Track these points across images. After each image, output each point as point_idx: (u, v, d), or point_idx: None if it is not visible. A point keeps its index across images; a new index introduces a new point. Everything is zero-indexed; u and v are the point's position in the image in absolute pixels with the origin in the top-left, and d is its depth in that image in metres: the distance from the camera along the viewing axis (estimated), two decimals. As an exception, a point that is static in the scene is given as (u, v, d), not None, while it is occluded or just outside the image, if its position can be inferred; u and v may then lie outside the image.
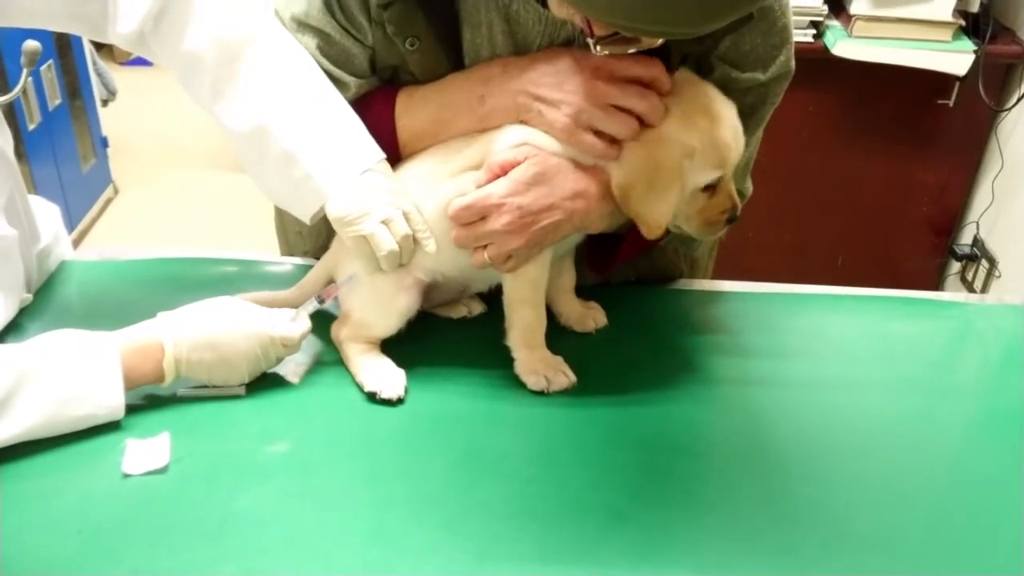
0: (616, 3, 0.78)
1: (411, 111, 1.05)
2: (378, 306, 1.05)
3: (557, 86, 0.97)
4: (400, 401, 1.01)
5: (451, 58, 1.03)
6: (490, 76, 1.01)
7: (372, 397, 1.01)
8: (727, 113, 0.97)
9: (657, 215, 0.98)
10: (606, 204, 1.01)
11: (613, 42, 0.90)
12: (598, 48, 0.90)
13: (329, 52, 1.04)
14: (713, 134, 0.96)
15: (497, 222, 0.98)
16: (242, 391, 1.01)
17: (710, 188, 0.99)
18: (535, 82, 0.98)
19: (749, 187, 1.15)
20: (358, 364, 1.04)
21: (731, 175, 1.00)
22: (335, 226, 1.01)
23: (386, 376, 1.03)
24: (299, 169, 0.99)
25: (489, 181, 0.98)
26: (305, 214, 1.03)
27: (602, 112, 0.96)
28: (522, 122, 1.00)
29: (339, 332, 1.07)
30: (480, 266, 1.01)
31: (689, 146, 0.95)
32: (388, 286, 1.04)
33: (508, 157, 0.98)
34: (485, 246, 1.00)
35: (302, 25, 1.03)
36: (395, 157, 1.07)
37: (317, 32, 1.03)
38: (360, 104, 1.06)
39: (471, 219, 0.99)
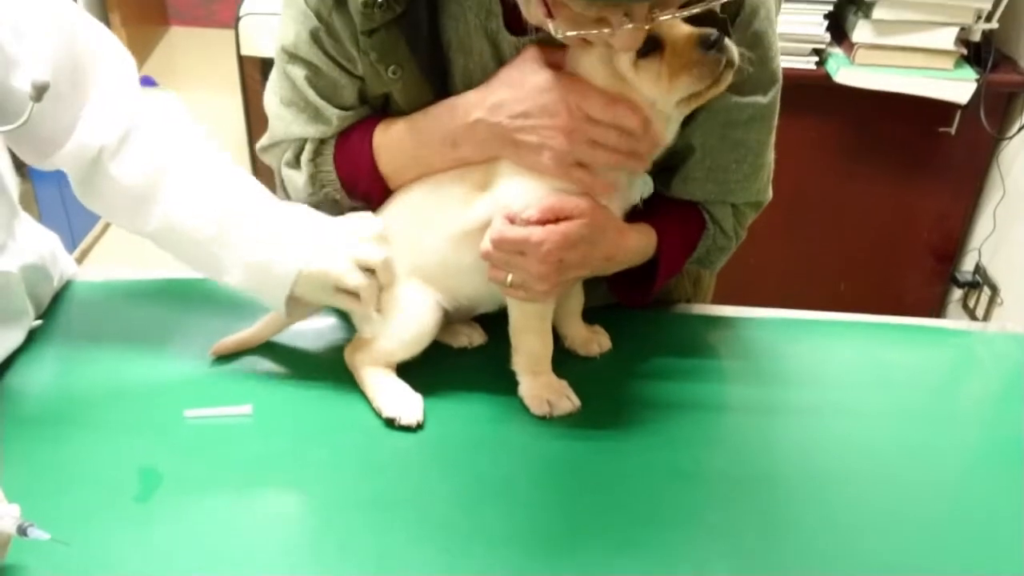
0: None
1: (389, 149, 1.05)
2: (401, 331, 1.05)
3: (533, 130, 0.96)
4: (420, 427, 1.01)
5: (435, 86, 1.03)
6: (456, 116, 1.00)
7: (391, 423, 1.01)
8: None
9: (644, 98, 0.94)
10: (631, 258, 1.05)
11: (577, 22, 0.85)
12: (560, 33, 0.87)
13: (317, 83, 1.04)
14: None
15: (533, 265, 0.97)
16: (248, 413, 1.01)
17: (651, 51, 0.91)
18: (508, 127, 0.97)
19: (769, 194, 1.15)
20: (375, 389, 1.04)
21: (673, 26, 0.90)
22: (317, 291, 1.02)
23: (404, 401, 1.02)
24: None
25: (540, 222, 0.97)
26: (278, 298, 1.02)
27: (585, 147, 0.96)
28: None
29: (353, 356, 1.06)
30: (495, 282, 1.01)
31: (597, 45, 0.90)
32: (412, 311, 1.04)
33: (566, 207, 0.97)
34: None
35: (292, 56, 1.04)
36: (379, 190, 1.08)
37: (306, 64, 1.03)
38: (341, 139, 1.07)
39: (509, 250, 0.98)
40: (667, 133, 0.98)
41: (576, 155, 0.96)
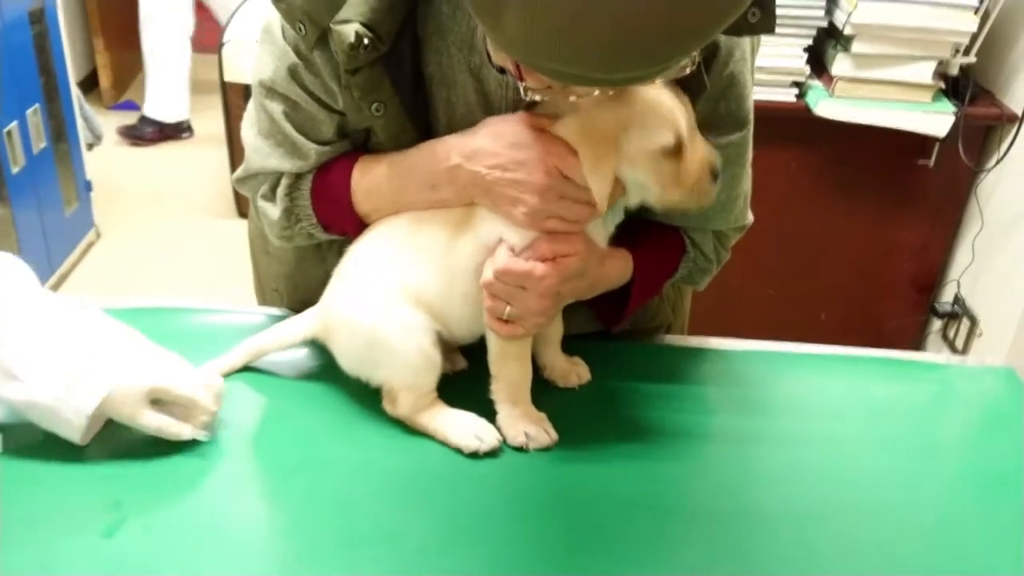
0: (524, 40, 0.74)
1: (367, 191, 1.05)
2: (412, 367, 1.03)
3: (509, 183, 0.96)
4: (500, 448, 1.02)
5: (417, 121, 1.03)
6: (436, 159, 1.00)
7: (475, 455, 1.01)
8: (663, 93, 0.94)
9: (596, 188, 0.94)
10: (610, 284, 1.06)
11: (543, 88, 0.88)
12: (528, 94, 0.90)
13: (295, 118, 1.04)
14: (649, 101, 0.92)
15: (532, 300, 0.98)
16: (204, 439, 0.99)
17: (673, 154, 0.94)
18: (485, 177, 0.97)
19: (750, 218, 1.15)
20: (442, 429, 1.03)
21: (694, 138, 0.95)
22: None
23: (477, 430, 1.02)
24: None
25: (538, 257, 0.97)
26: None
27: (556, 204, 0.96)
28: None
29: (397, 410, 1.04)
30: (492, 313, 1.00)
31: (623, 116, 0.93)
32: (408, 342, 1.02)
33: (563, 247, 0.98)
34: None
35: (269, 91, 1.03)
36: (356, 228, 1.07)
37: (283, 99, 1.03)
38: (319, 176, 1.06)
39: (511, 283, 0.98)
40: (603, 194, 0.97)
41: (549, 212, 0.96)
